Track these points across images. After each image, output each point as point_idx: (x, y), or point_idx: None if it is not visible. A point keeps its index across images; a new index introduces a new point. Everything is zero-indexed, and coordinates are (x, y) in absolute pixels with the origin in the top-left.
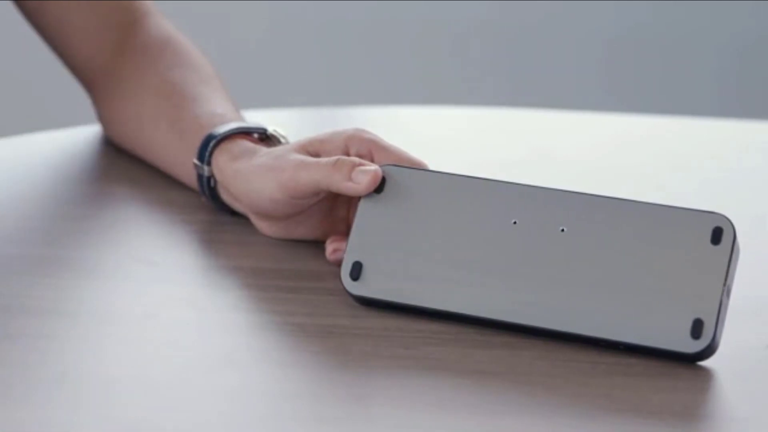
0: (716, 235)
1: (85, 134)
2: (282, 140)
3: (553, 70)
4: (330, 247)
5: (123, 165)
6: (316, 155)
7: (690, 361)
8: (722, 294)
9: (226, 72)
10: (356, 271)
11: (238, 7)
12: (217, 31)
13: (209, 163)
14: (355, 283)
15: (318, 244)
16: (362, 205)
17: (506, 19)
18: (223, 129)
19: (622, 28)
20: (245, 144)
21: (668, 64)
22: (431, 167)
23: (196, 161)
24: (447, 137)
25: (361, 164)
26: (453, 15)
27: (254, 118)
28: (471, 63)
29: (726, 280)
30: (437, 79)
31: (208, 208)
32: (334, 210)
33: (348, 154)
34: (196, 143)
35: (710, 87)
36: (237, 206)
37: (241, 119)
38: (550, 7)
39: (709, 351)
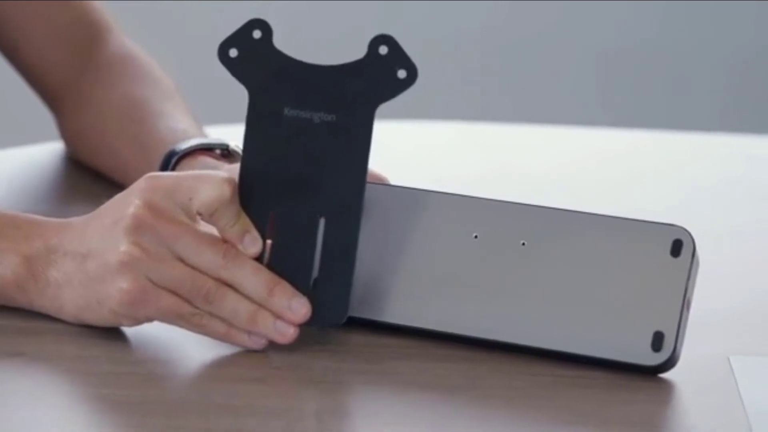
0: (676, 248)
1: (47, 151)
2: None
3: (547, 84)
4: None
5: (85, 182)
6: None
7: (651, 373)
8: (682, 306)
9: (221, 81)
10: None
11: (231, 16)
12: (213, 37)
13: None
14: None
15: None
16: None
17: (497, 32)
18: (185, 145)
19: (618, 43)
20: (206, 161)
21: (664, 79)
22: (392, 182)
23: None
24: (411, 152)
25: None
26: (440, 29)
27: (225, 133)
28: (454, 77)
29: (686, 292)
30: (415, 93)
31: None
32: None
33: None
34: (158, 159)
35: (707, 101)
36: None
37: (204, 136)
38: (546, 20)
39: (669, 363)
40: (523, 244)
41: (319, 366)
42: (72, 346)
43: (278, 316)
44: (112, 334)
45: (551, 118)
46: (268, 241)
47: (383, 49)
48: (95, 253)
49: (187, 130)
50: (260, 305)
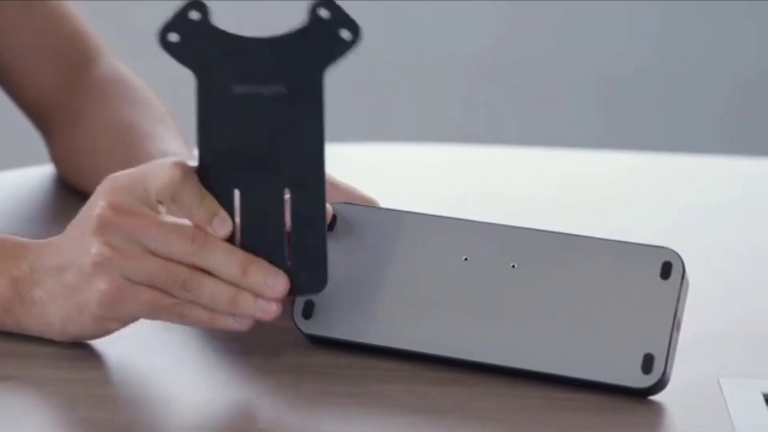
0: (665, 270)
1: (37, 173)
2: None
3: (548, 107)
4: None
5: (76, 204)
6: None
7: (641, 395)
8: (672, 328)
9: None
10: (308, 309)
11: None
12: None
13: None
14: (307, 322)
15: None
16: None
17: (497, 56)
18: None
19: (616, 67)
20: None
21: (662, 102)
22: (382, 205)
23: None
24: (402, 174)
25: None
26: (440, 52)
27: None
28: (454, 100)
29: (676, 314)
30: (395, 116)
31: None
32: None
33: None
34: None
35: (705, 124)
36: None
37: (193, 158)
38: (546, 43)
39: (660, 385)
40: (514, 266)
41: (308, 389)
42: (61, 369)
43: (258, 295)
44: (102, 356)
45: (552, 140)
46: (237, 221)
47: (324, 13)
48: (71, 263)
49: (177, 153)
50: (237, 286)
